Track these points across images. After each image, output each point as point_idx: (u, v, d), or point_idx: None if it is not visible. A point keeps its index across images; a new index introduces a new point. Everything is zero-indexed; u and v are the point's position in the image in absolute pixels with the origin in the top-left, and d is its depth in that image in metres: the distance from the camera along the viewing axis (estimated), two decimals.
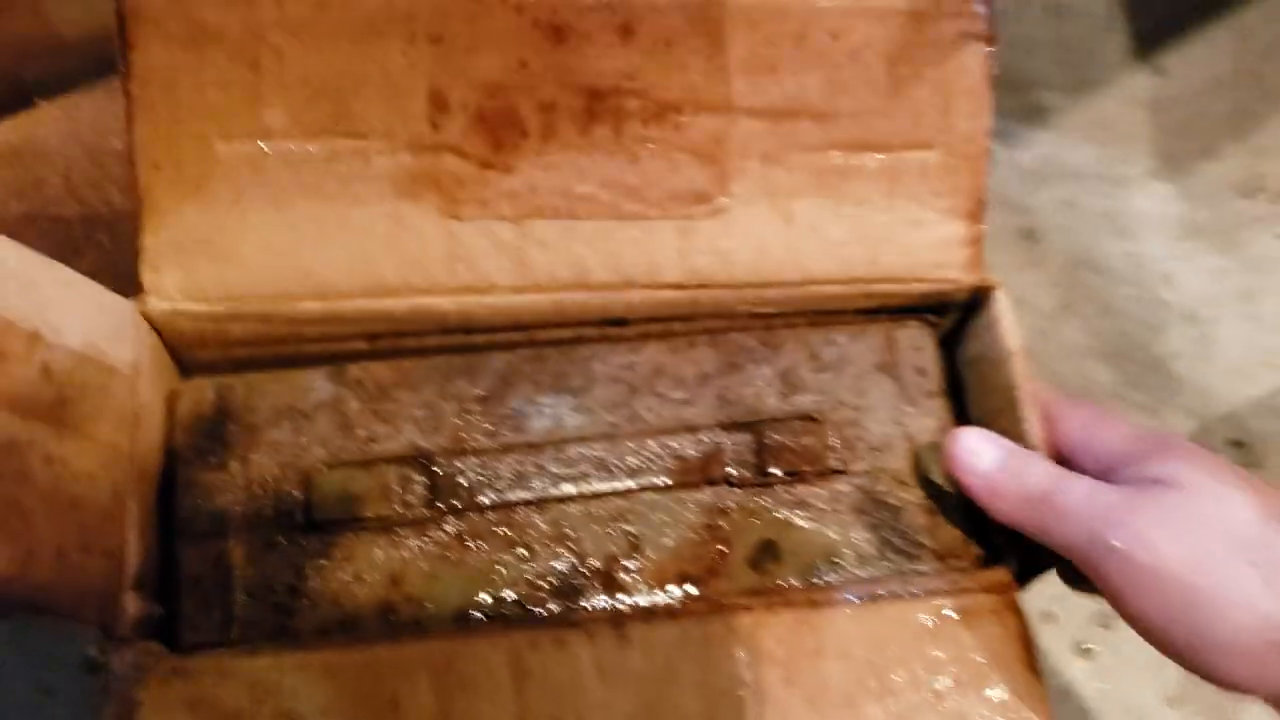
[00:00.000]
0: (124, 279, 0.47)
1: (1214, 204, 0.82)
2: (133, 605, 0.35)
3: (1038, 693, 0.38)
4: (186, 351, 0.41)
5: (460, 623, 0.38)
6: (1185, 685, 0.65)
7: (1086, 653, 0.66)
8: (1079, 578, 0.37)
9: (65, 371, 0.31)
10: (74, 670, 0.59)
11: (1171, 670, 0.64)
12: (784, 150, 0.40)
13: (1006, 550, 0.40)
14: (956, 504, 0.41)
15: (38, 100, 0.47)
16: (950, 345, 0.44)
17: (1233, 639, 0.34)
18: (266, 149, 0.38)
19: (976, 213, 0.41)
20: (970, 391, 0.43)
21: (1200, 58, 0.86)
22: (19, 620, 0.60)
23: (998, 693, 0.38)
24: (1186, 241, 0.80)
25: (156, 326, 0.39)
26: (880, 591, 0.38)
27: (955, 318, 0.44)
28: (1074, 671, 0.66)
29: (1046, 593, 0.51)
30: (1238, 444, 0.74)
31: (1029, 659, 0.38)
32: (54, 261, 0.33)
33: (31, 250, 0.31)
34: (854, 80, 0.40)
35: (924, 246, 0.41)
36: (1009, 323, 0.40)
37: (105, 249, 0.46)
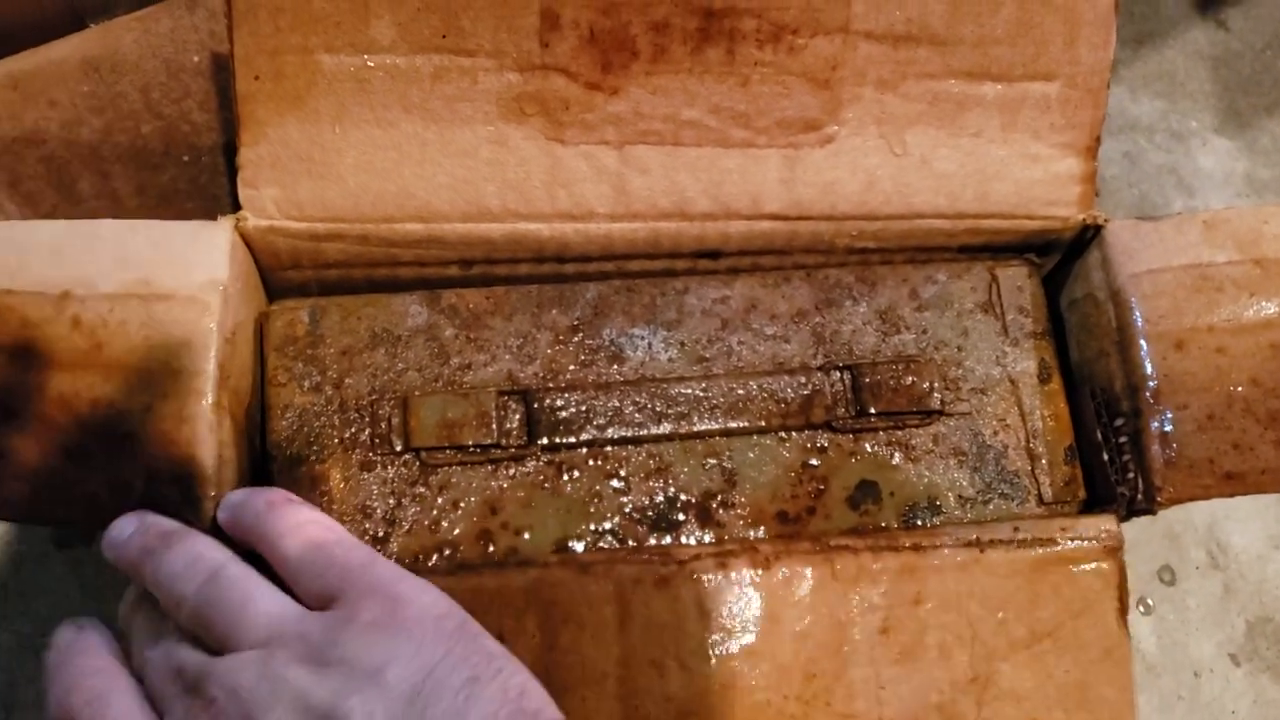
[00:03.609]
0: (204, 195, 0.46)
1: (1276, 162, 0.81)
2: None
3: (1125, 646, 0.37)
4: (277, 272, 0.40)
5: (559, 553, 0.38)
6: (1249, 641, 0.65)
7: (1149, 608, 0.66)
8: None
9: (97, 317, 0.35)
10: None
11: (1235, 626, 0.64)
12: (900, 77, 0.39)
13: (1112, 494, 0.39)
14: (1061, 446, 0.40)
15: (117, 13, 0.46)
16: (1050, 287, 0.43)
17: None
18: (372, 63, 0.37)
19: (1093, 148, 0.40)
20: (1072, 334, 0.42)
21: (1263, 14, 0.84)
22: (74, 553, 0.60)
23: (1088, 644, 0.37)
24: (1248, 198, 0.79)
25: (251, 244, 0.38)
26: (984, 538, 0.37)
27: (1057, 258, 0.43)
28: (1136, 626, 0.65)
29: None
30: None
31: (1122, 609, 0.37)
32: (98, 221, 0.36)
33: (64, 221, 0.36)
34: (979, 5, 0.38)
35: (1038, 182, 0.40)
36: (1125, 258, 0.39)
37: (185, 165, 0.45)
